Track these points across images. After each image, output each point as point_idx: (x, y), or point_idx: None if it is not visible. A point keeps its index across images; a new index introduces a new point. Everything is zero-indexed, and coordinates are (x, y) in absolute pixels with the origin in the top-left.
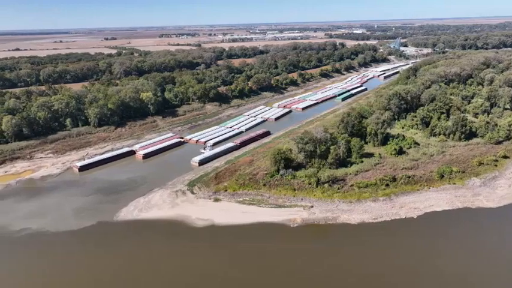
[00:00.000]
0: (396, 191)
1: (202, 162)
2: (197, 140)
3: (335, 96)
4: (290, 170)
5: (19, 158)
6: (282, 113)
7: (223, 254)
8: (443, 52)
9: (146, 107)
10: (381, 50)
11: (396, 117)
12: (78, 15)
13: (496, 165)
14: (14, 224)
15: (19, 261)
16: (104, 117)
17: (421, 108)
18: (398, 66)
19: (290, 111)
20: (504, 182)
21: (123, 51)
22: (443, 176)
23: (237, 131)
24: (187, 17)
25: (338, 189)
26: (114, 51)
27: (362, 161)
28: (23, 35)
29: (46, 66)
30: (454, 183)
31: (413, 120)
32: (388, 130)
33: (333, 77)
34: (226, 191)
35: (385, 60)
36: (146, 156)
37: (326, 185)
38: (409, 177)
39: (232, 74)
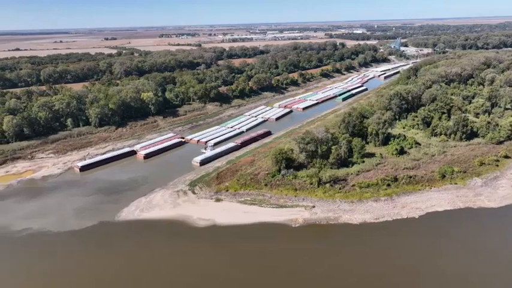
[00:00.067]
0: (398, 191)
1: (203, 162)
2: (198, 140)
3: (336, 96)
4: (291, 170)
5: (20, 158)
6: (282, 113)
7: (225, 254)
8: (444, 52)
9: (147, 107)
10: (381, 50)
11: (397, 117)
12: (78, 15)
13: (497, 165)
14: (15, 224)
15: (20, 262)
16: (105, 117)
17: (422, 108)
18: (398, 66)
19: (291, 111)
20: (505, 182)
21: (124, 51)
22: (444, 176)
23: (237, 131)
24: (187, 17)
25: (339, 189)
26: (114, 51)
27: (363, 161)
28: (23, 35)
29: (46, 66)
30: (456, 183)
31: (414, 120)
32: (389, 130)
33: (334, 77)
34: (227, 191)
35: (385, 60)
36: (147, 156)
37: (327, 185)
38: (411, 177)
39: (233, 74)
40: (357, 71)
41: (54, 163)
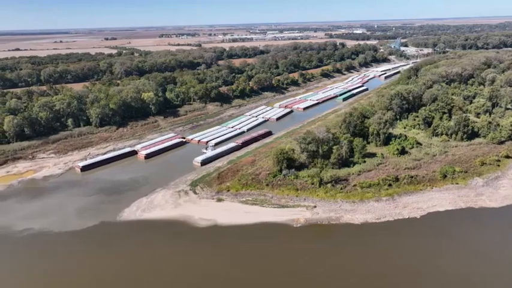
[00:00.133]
0: (399, 191)
1: (204, 162)
2: (199, 140)
3: (336, 96)
4: (293, 170)
5: (21, 158)
6: (283, 113)
7: (226, 254)
8: (444, 52)
9: (148, 107)
10: (382, 50)
11: (398, 117)
12: (78, 15)
13: (498, 165)
14: (17, 224)
15: (22, 262)
16: (106, 117)
17: (423, 108)
18: (399, 66)
19: (291, 111)
20: (507, 181)
21: (124, 51)
22: (446, 176)
23: (238, 131)
24: (187, 17)
25: (341, 189)
26: (114, 51)
27: (364, 161)
28: (23, 35)
29: (47, 66)
30: (457, 183)
31: (415, 120)
32: (390, 130)
33: (334, 77)
34: (229, 191)
35: (385, 60)
36: (148, 156)
37: (329, 185)
38: (412, 177)
39: (233, 74)
40: (357, 71)
41: (55, 163)
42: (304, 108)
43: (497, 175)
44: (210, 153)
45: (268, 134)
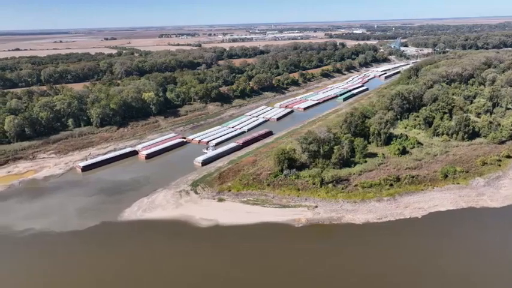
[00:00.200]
0: (400, 190)
1: (205, 162)
2: (199, 140)
3: (336, 96)
4: (294, 170)
5: (22, 158)
6: (283, 113)
7: (228, 254)
8: (444, 52)
9: (148, 107)
10: (382, 50)
11: (399, 117)
12: (78, 15)
13: (499, 165)
14: (18, 225)
15: (23, 262)
16: (106, 117)
17: (424, 108)
18: (399, 66)
19: (292, 111)
20: (508, 181)
21: (124, 51)
22: (447, 176)
23: (239, 131)
24: (187, 17)
25: (342, 189)
26: (114, 51)
27: (366, 161)
28: (22, 35)
29: (47, 66)
30: (458, 183)
31: (415, 120)
32: (391, 130)
33: (334, 77)
34: (230, 191)
35: (385, 60)
36: (149, 156)
37: (330, 185)
38: (413, 177)
39: (234, 74)
40: (358, 71)
41: (56, 163)
42: (305, 108)
43: (499, 175)
44: (210, 153)
45: (269, 134)
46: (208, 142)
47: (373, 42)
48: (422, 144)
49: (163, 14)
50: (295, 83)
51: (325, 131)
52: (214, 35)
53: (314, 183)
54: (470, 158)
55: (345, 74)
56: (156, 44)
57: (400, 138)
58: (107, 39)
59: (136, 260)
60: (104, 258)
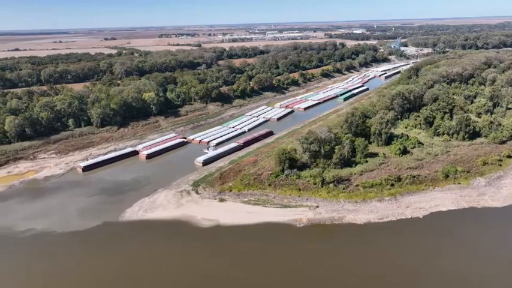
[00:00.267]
0: (401, 190)
1: (206, 162)
2: (200, 140)
3: (337, 96)
4: (295, 170)
5: (22, 158)
6: (284, 113)
7: (229, 254)
8: (444, 52)
9: (148, 107)
10: (381, 50)
11: (399, 117)
12: (78, 15)
13: (500, 165)
14: (19, 225)
15: (24, 263)
16: (107, 118)
17: (424, 108)
18: (399, 66)
19: (292, 111)
20: (509, 181)
21: (123, 51)
22: (448, 176)
23: (239, 131)
24: (187, 17)
25: (343, 189)
26: (114, 52)
27: (367, 161)
28: (22, 35)
29: (47, 66)
30: (459, 183)
31: (416, 120)
32: (391, 130)
33: (334, 77)
34: (231, 191)
35: (385, 60)
36: (150, 156)
37: (331, 185)
38: (414, 176)
39: (234, 74)
40: (358, 71)
41: (57, 163)
42: (305, 108)
43: (500, 175)
44: (211, 153)
45: (270, 134)
46: (208, 142)
47: (373, 42)
48: (423, 144)
49: (163, 14)
50: (295, 83)
51: (326, 131)
52: (214, 35)
53: (315, 183)
54: (471, 157)
55: (345, 74)
56: (156, 44)
57: (400, 138)
58: (106, 39)
59: (138, 260)
60: (105, 259)
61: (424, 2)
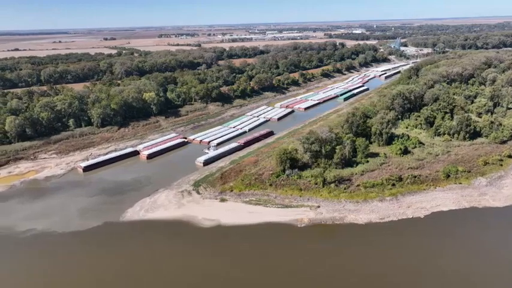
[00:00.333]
0: (403, 190)
1: (207, 162)
2: (201, 140)
3: (337, 96)
4: (296, 170)
5: (23, 158)
6: (284, 113)
7: (230, 254)
8: (444, 52)
9: (149, 107)
10: (381, 50)
11: (400, 117)
12: (78, 15)
13: (501, 165)
14: (19, 225)
15: (25, 263)
16: (107, 118)
17: (425, 108)
18: (399, 66)
19: (292, 111)
20: (510, 181)
21: (123, 52)
22: (449, 176)
23: (240, 131)
24: (187, 17)
25: (344, 189)
26: (114, 52)
27: (368, 161)
28: (22, 35)
29: (47, 67)
30: (460, 183)
31: (417, 120)
32: (392, 130)
33: (334, 77)
34: (232, 191)
35: (385, 60)
36: (150, 156)
37: (332, 185)
38: (415, 176)
39: (234, 74)
40: (358, 71)
41: (57, 163)
42: (306, 108)
43: (501, 174)
44: (212, 153)
45: (270, 134)
46: (209, 142)
47: (373, 42)
48: (423, 144)
49: (162, 14)
50: (295, 83)
51: (327, 131)
52: (214, 35)
53: (316, 183)
54: (472, 157)
55: (345, 74)
56: (156, 44)
57: (401, 138)
58: (106, 39)
59: (139, 260)
60: (106, 259)
61: (424, 2)
